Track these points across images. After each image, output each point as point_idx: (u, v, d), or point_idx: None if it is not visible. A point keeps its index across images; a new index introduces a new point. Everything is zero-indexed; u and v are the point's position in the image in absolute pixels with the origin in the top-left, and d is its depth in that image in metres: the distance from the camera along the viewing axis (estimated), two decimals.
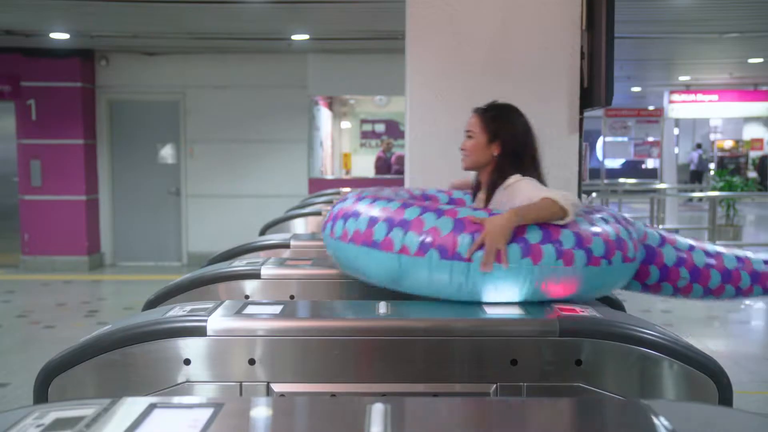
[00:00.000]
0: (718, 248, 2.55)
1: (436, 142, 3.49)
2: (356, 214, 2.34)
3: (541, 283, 2.13)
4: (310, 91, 10.10)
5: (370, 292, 2.47)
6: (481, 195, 2.66)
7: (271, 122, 9.97)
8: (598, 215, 2.31)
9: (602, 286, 2.27)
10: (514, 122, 2.56)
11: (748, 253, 2.55)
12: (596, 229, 2.21)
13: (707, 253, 2.50)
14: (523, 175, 2.49)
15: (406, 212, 2.23)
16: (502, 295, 2.16)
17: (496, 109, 2.58)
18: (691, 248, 2.50)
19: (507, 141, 2.52)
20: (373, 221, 2.26)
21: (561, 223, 2.17)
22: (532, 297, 2.17)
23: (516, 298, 2.17)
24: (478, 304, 2.20)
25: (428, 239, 2.15)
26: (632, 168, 22.74)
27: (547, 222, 2.16)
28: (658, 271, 2.48)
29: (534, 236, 2.13)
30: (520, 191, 2.39)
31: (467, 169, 2.61)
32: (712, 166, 21.72)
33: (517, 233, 2.12)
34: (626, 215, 2.47)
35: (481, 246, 2.11)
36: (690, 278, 2.48)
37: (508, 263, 2.09)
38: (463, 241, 2.12)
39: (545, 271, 2.11)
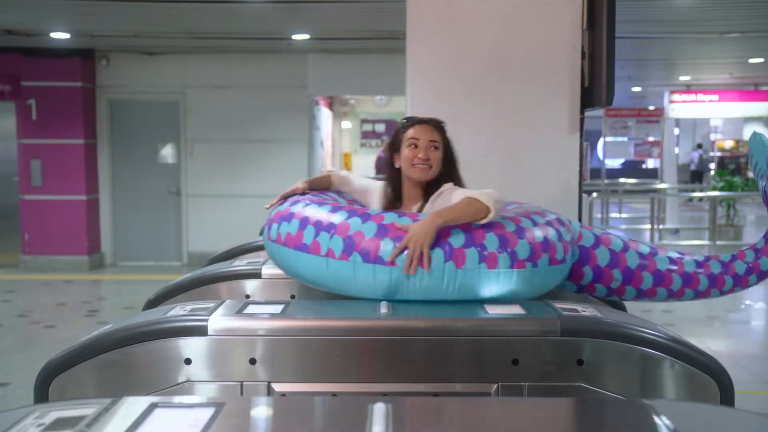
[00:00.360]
0: (653, 249, 2.51)
1: None
2: (290, 218, 2.39)
3: (464, 286, 2.16)
4: (311, 90, 10.09)
5: None
6: (409, 204, 2.63)
7: (272, 122, 9.97)
8: (528, 217, 2.31)
9: (530, 288, 2.25)
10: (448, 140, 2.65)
11: (686, 255, 2.51)
12: (522, 231, 2.21)
13: (640, 255, 2.46)
14: (455, 184, 2.56)
15: (334, 216, 2.27)
16: (427, 296, 2.19)
17: (440, 122, 2.65)
18: (625, 249, 2.47)
19: (449, 152, 2.62)
20: (303, 224, 2.31)
21: (484, 221, 2.18)
22: (457, 298, 2.20)
23: (441, 299, 2.20)
24: (479, 303, 2.20)
25: (352, 243, 2.18)
26: (633, 168, 22.73)
27: (471, 220, 2.18)
28: (591, 272, 2.46)
29: (457, 240, 2.15)
30: (454, 198, 2.41)
31: (427, 180, 2.58)
32: (712, 166, 21.71)
33: (440, 237, 2.14)
34: (560, 216, 2.46)
35: (405, 249, 2.13)
36: (623, 280, 2.45)
37: (430, 267, 2.12)
38: (386, 245, 2.15)
39: (468, 274, 2.14)
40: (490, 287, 2.17)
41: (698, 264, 2.48)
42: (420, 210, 2.56)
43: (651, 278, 2.44)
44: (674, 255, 2.49)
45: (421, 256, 2.11)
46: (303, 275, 2.36)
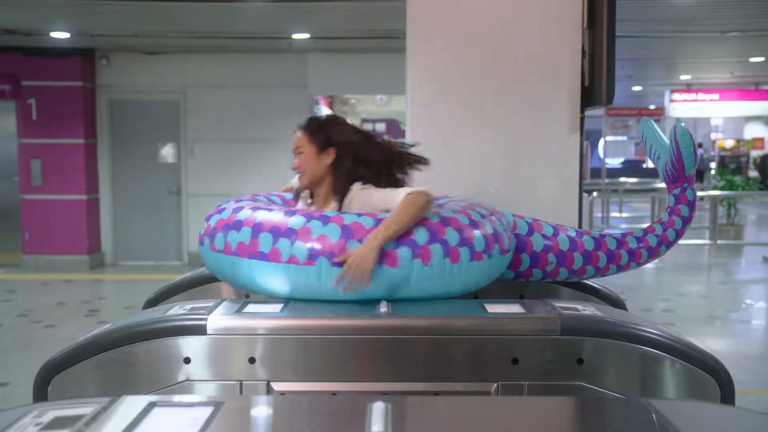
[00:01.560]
0: (579, 231, 2.69)
1: (437, 141, 3.48)
2: (238, 226, 2.29)
3: (431, 282, 2.19)
4: (311, 90, 10.09)
5: None
6: (321, 205, 2.58)
7: (272, 122, 9.96)
8: (476, 210, 2.39)
9: (486, 279, 2.37)
10: (340, 128, 2.54)
11: (606, 234, 2.71)
12: (476, 225, 2.30)
13: (570, 238, 2.63)
14: (365, 182, 2.46)
15: (291, 220, 2.22)
16: (394, 295, 2.21)
17: (317, 120, 2.58)
18: (556, 233, 2.63)
19: (340, 146, 2.49)
20: (256, 232, 2.24)
21: (428, 209, 2.23)
22: (423, 295, 2.22)
23: (409, 296, 2.22)
24: (479, 302, 2.20)
25: (317, 247, 2.16)
26: (633, 167, 22.73)
27: (417, 219, 2.20)
28: (528, 258, 2.60)
29: (422, 237, 2.19)
30: (374, 201, 2.39)
31: (308, 186, 2.57)
32: (713, 165, 21.70)
33: (405, 235, 2.17)
34: (494, 207, 2.58)
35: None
36: (557, 262, 2.61)
37: (370, 282, 2.13)
38: (353, 247, 2.16)
39: (435, 270, 2.18)
40: (454, 281, 2.23)
41: (618, 241, 2.67)
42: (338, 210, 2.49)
43: (581, 258, 2.62)
44: (596, 235, 2.68)
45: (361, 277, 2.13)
46: (259, 284, 2.28)
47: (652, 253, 2.72)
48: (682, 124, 2.75)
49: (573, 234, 2.65)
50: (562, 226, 2.69)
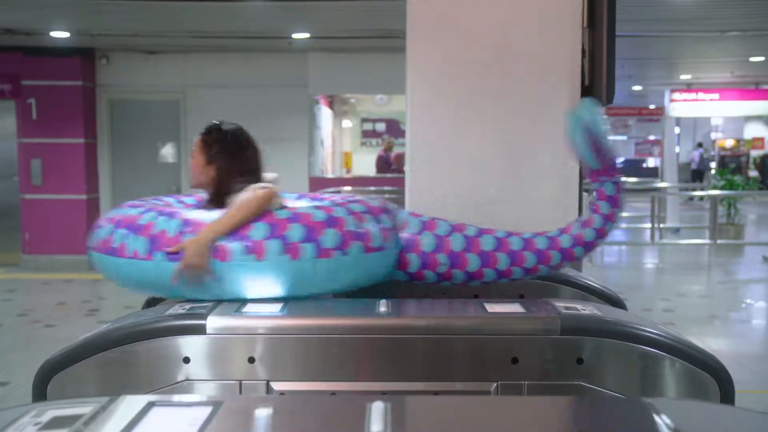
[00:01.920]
0: (480, 230, 2.47)
1: (437, 141, 3.48)
2: (102, 223, 2.39)
3: (274, 278, 2.17)
4: (311, 90, 10.09)
5: (370, 290, 2.46)
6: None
7: (272, 121, 9.96)
8: (343, 206, 2.32)
9: (345, 278, 2.28)
10: (230, 145, 2.58)
11: (513, 234, 2.46)
12: (332, 221, 2.23)
13: (466, 237, 2.44)
14: (234, 190, 2.47)
15: (142, 218, 2.28)
16: (237, 292, 2.19)
17: (216, 131, 2.60)
18: (451, 233, 2.44)
19: (223, 163, 2.53)
20: (113, 229, 2.31)
21: (274, 204, 2.26)
22: (269, 293, 2.20)
23: (254, 295, 2.20)
24: (479, 302, 2.19)
25: (155, 242, 2.19)
26: (633, 167, 22.73)
27: (255, 214, 2.20)
28: (418, 259, 2.43)
29: (258, 233, 2.17)
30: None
31: (194, 187, 2.62)
32: (713, 165, 21.71)
33: (240, 231, 2.17)
34: (386, 204, 2.46)
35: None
36: (449, 264, 2.42)
37: (214, 274, 2.14)
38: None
39: (273, 266, 2.15)
40: (305, 279, 2.19)
41: (525, 241, 2.43)
42: None
43: (477, 260, 2.41)
44: (501, 234, 2.45)
45: (201, 268, 2.14)
46: (118, 280, 2.37)
47: (566, 255, 2.43)
48: (576, 111, 2.42)
49: (472, 233, 2.45)
50: (462, 225, 2.49)
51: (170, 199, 2.72)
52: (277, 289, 2.20)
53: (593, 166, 2.41)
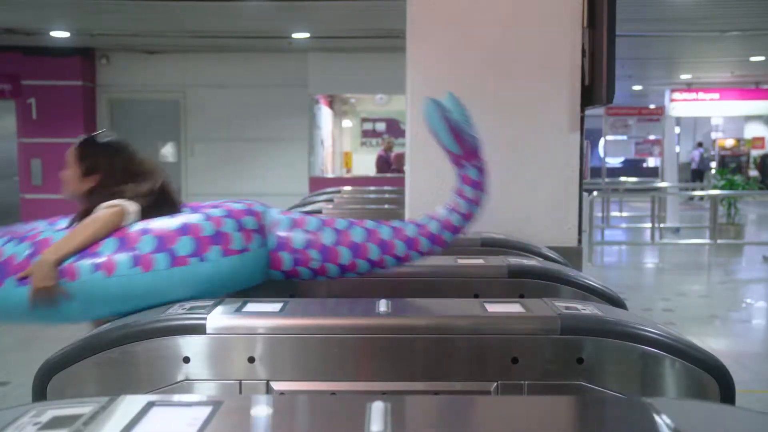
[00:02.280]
0: (352, 222, 2.47)
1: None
2: None
3: (128, 292, 2.17)
4: (311, 89, 10.10)
5: (370, 290, 2.46)
6: None
7: (272, 121, 9.97)
8: (202, 212, 2.32)
9: (207, 284, 2.26)
10: (111, 160, 2.53)
11: (382, 224, 2.46)
12: (185, 228, 2.23)
13: (336, 231, 2.43)
14: (98, 202, 2.44)
15: None
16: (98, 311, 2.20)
17: (93, 143, 2.57)
18: (321, 227, 2.44)
19: (102, 177, 2.50)
20: None
21: (125, 221, 2.25)
22: (135, 307, 2.18)
23: (103, 315, 2.20)
24: (479, 301, 2.19)
25: (4, 269, 2.17)
26: (633, 166, 22.75)
27: (104, 233, 2.20)
28: (290, 256, 2.43)
29: (107, 248, 2.18)
30: None
31: (67, 198, 2.59)
32: (713, 164, 21.70)
33: (90, 249, 2.17)
34: (251, 204, 2.46)
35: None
36: (322, 258, 2.42)
37: (68, 295, 2.14)
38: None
39: (123, 280, 2.15)
40: (150, 289, 2.18)
41: (395, 230, 2.44)
42: None
43: (349, 252, 2.41)
44: (371, 225, 2.45)
45: (52, 290, 2.13)
46: None
47: (435, 240, 2.45)
48: (431, 99, 2.46)
49: (342, 226, 2.45)
50: (332, 219, 2.49)
51: (41, 223, 2.62)
52: (133, 302, 2.19)
53: (454, 151, 2.41)
